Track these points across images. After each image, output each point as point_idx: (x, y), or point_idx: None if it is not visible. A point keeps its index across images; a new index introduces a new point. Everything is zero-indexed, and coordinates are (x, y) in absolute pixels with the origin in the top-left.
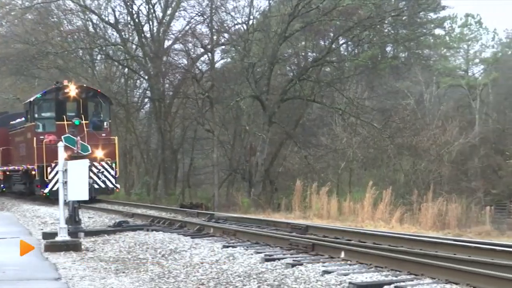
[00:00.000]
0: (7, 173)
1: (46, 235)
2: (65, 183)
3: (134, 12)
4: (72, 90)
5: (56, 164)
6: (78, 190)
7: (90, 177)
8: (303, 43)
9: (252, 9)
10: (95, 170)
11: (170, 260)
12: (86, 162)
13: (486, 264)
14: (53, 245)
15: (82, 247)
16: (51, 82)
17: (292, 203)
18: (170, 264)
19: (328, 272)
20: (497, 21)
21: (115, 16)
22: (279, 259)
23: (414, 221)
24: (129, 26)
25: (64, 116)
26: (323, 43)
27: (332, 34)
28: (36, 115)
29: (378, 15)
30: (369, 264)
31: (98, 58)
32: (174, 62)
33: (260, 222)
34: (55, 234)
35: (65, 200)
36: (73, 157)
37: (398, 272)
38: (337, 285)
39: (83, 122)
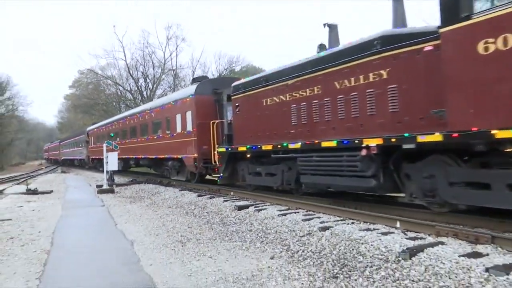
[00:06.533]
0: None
1: (98, 186)
2: (106, 162)
3: (139, 85)
4: None
5: None
6: (113, 165)
7: None
8: None
9: None
10: None
11: (155, 196)
12: (116, 153)
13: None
14: (101, 190)
15: (115, 191)
16: (101, 117)
17: None
18: (155, 199)
19: (226, 201)
20: None
21: (130, 87)
22: (204, 195)
23: None
24: (137, 91)
25: None
26: None
27: None
28: None
29: None
30: (243, 197)
31: (123, 106)
32: None
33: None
34: (102, 185)
35: (106, 170)
36: None
37: (255, 201)
38: (230, 206)
39: None
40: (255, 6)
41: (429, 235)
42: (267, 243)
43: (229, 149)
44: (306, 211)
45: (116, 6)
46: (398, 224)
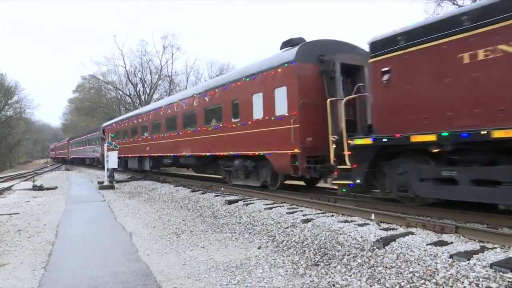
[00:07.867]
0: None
1: (99, 182)
2: (107, 161)
3: (137, 90)
4: None
5: None
6: (113, 163)
7: None
8: None
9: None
10: None
11: (152, 192)
12: (115, 152)
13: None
14: (102, 186)
15: (115, 187)
16: (103, 119)
17: None
18: (152, 194)
19: (217, 196)
20: None
21: (129, 91)
22: (197, 191)
23: None
24: (135, 95)
25: None
26: None
27: None
28: None
29: None
30: (233, 192)
31: (122, 109)
32: None
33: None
34: (103, 182)
35: (107, 168)
36: None
37: (244, 196)
38: (221, 201)
39: None
40: (244, 13)
41: (400, 226)
42: (254, 234)
43: (384, 140)
44: (290, 205)
45: (116, 17)
46: (373, 216)
